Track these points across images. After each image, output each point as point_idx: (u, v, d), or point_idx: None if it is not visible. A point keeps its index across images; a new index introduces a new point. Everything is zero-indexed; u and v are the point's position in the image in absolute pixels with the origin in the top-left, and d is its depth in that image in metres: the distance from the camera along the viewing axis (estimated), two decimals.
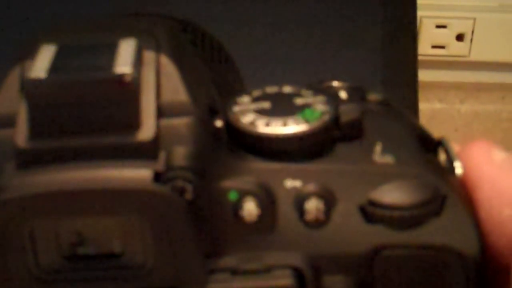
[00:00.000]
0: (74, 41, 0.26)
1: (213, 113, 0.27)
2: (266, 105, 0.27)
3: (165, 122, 0.25)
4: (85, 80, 0.24)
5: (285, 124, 0.26)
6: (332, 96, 0.27)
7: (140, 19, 0.30)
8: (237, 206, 0.26)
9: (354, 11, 0.83)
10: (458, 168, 0.27)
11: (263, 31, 0.78)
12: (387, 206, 0.26)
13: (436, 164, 0.27)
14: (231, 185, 0.26)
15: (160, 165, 0.24)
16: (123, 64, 0.24)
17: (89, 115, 0.24)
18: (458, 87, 0.97)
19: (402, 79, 0.82)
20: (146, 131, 0.24)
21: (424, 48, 0.92)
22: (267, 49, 0.77)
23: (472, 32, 0.92)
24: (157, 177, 0.24)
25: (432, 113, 0.96)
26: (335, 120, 0.26)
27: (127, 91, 0.24)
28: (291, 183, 0.26)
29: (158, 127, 0.25)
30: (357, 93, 0.29)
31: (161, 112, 0.25)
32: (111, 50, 0.25)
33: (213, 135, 0.26)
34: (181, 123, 0.25)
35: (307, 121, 0.26)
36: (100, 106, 0.24)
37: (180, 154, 0.25)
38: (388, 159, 0.26)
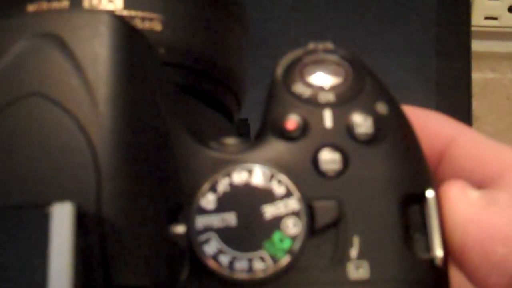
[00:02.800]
0: None
1: (175, 212, 0.24)
2: (231, 220, 0.23)
3: None
4: None
5: (250, 267, 0.23)
6: (307, 197, 0.24)
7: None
8: None
9: None
10: (438, 258, 0.24)
11: (321, 3, 0.80)
12: None
13: (414, 261, 0.24)
14: None
15: None
16: (59, 285, 0.19)
17: None
18: (510, 57, 0.97)
19: (456, 49, 0.82)
20: None
21: (477, 19, 0.92)
22: (325, 21, 0.79)
23: None
24: None
25: (485, 83, 0.96)
26: (309, 231, 0.23)
27: None
28: None
29: None
30: (342, 117, 0.25)
31: None
32: (40, 243, 0.19)
33: (172, 259, 0.23)
34: None
35: (274, 257, 0.23)
36: None
37: None
38: (363, 272, 0.23)
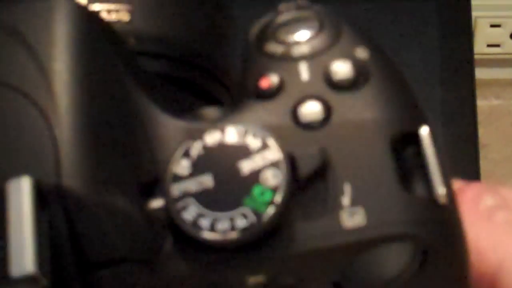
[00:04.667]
0: None
1: (151, 187, 0.23)
2: (208, 181, 0.22)
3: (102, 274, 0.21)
4: None
5: (232, 225, 0.21)
6: (285, 146, 0.22)
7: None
8: None
9: (411, 13, 0.84)
10: (441, 195, 0.22)
11: None
12: (363, 285, 0.23)
13: (414, 201, 0.22)
14: None
15: None
16: (21, 258, 0.18)
17: None
18: None
19: (460, 77, 0.82)
20: None
21: (479, 47, 0.92)
22: None
23: None
24: None
25: (490, 110, 0.96)
26: (291, 181, 0.22)
27: None
28: (254, 280, 0.22)
29: None
30: (319, 68, 0.23)
31: (89, 266, 0.21)
32: None
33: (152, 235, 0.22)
34: (118, 272, 0.21)
35: (256, 212, 0.21)
36: None
37: None
38: (358, 218, 0.22)
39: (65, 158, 0.20)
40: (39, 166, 0.20)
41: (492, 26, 0.93)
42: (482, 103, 0.94)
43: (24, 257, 0.18)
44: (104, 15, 0.28)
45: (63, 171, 0.20)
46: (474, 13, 0.86)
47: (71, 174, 0.20)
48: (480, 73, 0.89)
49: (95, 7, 0.28)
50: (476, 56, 0.86)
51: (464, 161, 0.78)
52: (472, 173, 0.77)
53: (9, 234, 0.19)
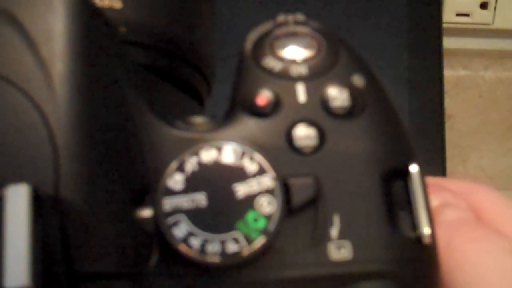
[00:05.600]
0: None
1: (141, 196, 0.23)
2: (201, 200, 0.22)
3: None
4: None
5: (223, 250, 0.22)
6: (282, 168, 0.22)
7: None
8: None
9: None
10: (425, 235, 0.23)
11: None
12: None
13: (400, 239, 0.23)
14: None
15: None
16: (16, 270, 0.18)
17: None
18: (482, 54, 0.96)
19: (427, 46, 0.81)
20: None
21: (448, 16, 0.91)
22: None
23: (496, 0, 0.91)
24: None
25: (457, 80, 0.96)
26: (285, 210, 0.22)
27: None
28: None
29: None
30: (316, 91, 0.24)
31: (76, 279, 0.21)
32: None
33: (140, 245, 0.22)
34: (103, 286, 0.21)
35: (248, 238, 0.22)
36: None
37: None
38: (345, 252, 0.22)
39: (64, 167, 0.20)
40: (38, 173, 0.20)
41: None
42: (449, 73, 0.94)
43: (19, 269, 0.18)
44: (97, 0, 0.28)
45: (61, 181, 0.20)
46: None
47: (70, 185, 0.20)
48: (448, 43, 0.89)
49: None
50: (444, 25, 0.85)
51: (429, 131, 0.78)
52: (437, 143, 0.77)
53: (5, 244, 0.18)
